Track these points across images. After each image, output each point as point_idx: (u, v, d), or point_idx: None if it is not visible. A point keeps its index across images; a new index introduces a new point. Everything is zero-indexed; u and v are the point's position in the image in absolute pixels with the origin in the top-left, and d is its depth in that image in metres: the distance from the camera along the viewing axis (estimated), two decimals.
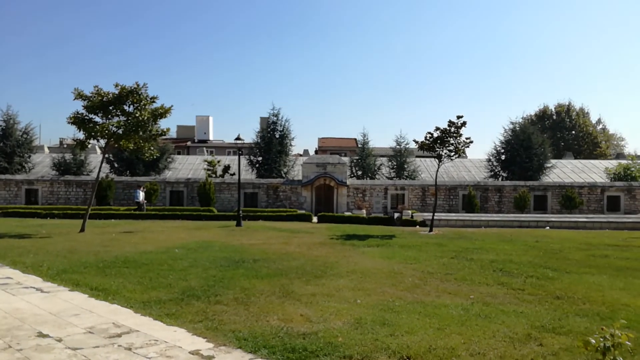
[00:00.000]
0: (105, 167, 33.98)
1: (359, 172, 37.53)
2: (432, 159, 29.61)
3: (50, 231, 19.38)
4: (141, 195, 28.11)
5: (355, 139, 54.17)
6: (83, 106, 19.59)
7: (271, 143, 36.46)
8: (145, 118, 19.54)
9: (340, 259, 13.01)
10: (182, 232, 19.31)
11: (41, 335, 6.34)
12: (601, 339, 3.09)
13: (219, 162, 37.68)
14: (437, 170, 24.13)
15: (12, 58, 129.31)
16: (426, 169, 39.89)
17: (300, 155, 49.16)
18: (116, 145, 21.44)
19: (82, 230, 19.27)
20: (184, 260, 12.37)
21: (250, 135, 38.87)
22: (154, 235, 18.34)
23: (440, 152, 22.02)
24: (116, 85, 19.53)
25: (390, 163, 38.38)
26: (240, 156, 25.99)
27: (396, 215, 27.15)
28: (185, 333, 6.50)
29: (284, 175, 36.34)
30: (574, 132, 63.21)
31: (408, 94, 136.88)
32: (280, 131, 37.31)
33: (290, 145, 38.00)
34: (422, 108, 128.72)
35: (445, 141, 21.62)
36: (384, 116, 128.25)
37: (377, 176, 37.54)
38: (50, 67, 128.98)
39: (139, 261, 12.10)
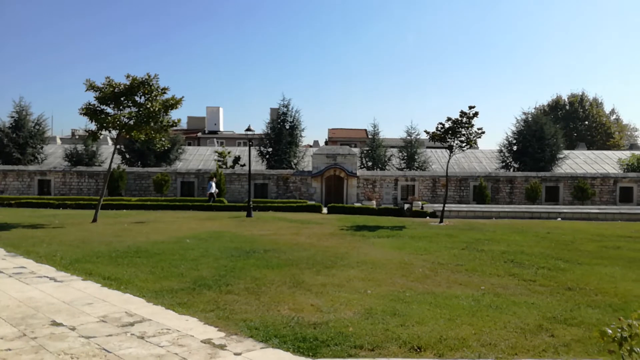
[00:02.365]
0: (117, 158, 34.17)
1: (369, 163, 37.40)
2: (443, 150, 29.43)
3: (63, 221, 19.58)
4: (213, 186, 28.29)
5: (365, 130, 53.95)
6: (95, 97, 19.70)
7: (281, 134, 36.39)
8: (157, 109, 19.60)
9: (350, 249, 13.02)
10: (193, 223, 19.42)
11: (55, 323, 6.43)
12: (618, 330, 3.06)
13: (229, 153, 37.73)
14: (448, 161, 24.00)
15: (27, 53, 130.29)
16: (437, 159, 39.67)
17: (310, 146, 49.09)
18: (127, 136, 21.56)
19: (95, 220, 19.45)
20: (195, 250, 12.45)
21: (260, 126, 38.90)
22: (165, 225, 18.47)
23: (452, 143, 21.87)
24: (127, 76, 19.58)
25: (400, 154, 38.17)
26: (251, 147, 26.01)
27: (406, 206, 27.05)
28: (197, 322, 6.56)
29: (294, 166, 36.31)
30: (587, 122, 62.35)
31: (419, 85, 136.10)
32: (290, 122, 37.19)
33: (301, 136, 37.88)
34: (433, 99, 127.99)
35: (456, 132, 21.47)
36: (395, 107, 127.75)
37: (387, 167, 37.37)
38: (63, 62, 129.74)
39: (151, 251, 12.20)
